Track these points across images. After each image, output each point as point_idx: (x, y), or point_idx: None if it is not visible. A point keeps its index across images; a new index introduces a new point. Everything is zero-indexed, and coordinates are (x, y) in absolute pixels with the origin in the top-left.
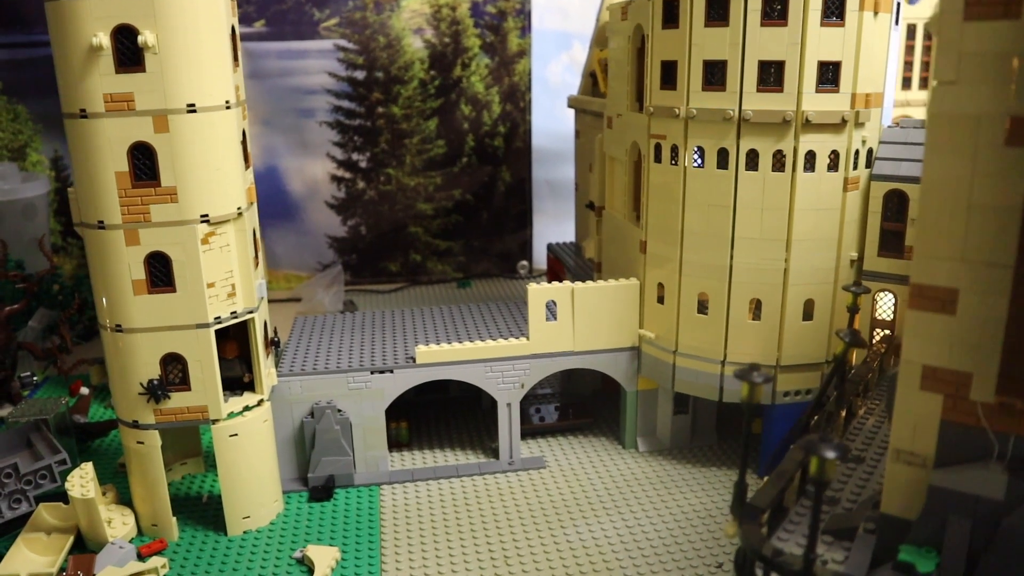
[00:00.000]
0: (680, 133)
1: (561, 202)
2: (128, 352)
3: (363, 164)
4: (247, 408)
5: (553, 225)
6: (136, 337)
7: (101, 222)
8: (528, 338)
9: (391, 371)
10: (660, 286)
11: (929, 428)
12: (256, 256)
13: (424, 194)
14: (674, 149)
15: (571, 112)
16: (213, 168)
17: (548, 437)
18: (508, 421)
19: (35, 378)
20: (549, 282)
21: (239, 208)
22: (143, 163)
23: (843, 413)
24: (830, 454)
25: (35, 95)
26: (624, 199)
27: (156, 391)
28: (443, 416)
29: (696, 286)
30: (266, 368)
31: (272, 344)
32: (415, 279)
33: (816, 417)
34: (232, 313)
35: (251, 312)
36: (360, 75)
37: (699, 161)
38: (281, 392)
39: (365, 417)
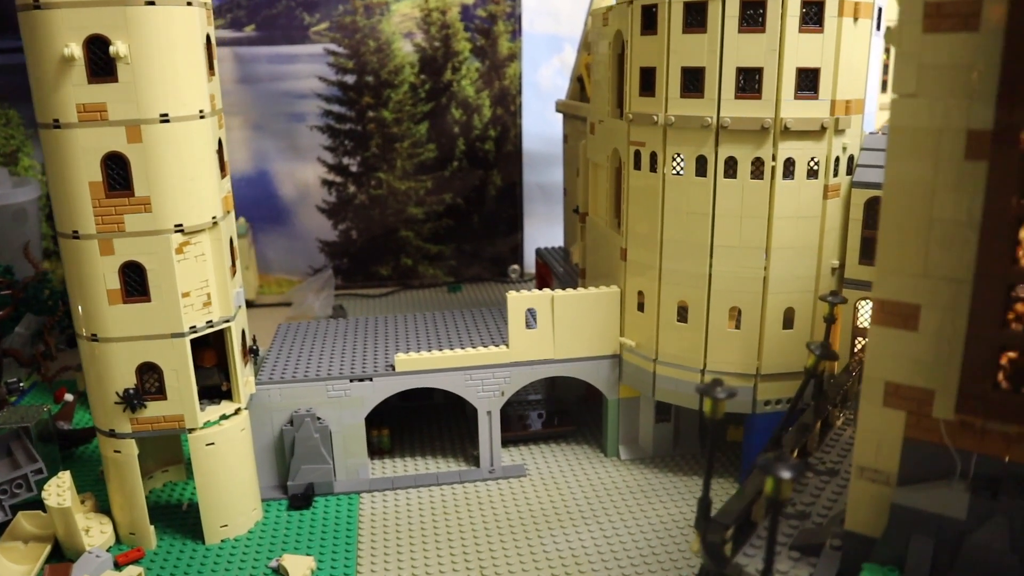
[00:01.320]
0: (659, 140)
1: (552, 206)
2: (104, 361)
3: (354, 168)
4: (224, 417)
5: (544, 229)
6: (111, 346)
7: (76, 232)
8: (508, 346)
9: (370, 379)
10: (640, 294)
11: (892, 445)
12: (233, 265)
13: (415, 198)
14: (653, 156)
15: (561, 116)
16: (187, 178)
17: (531, 445)
18: (488, 429)
19: (22, 384)
20: (538, 287)
21: (214, 217)
22: (117, 173)
23: (818, 425)
24: (786, 474)
25: (27, 100)
26: (606, 206)
27: (132, 400)
28: (426, 423)
29: (676, 294)
30: (244, 376)
31: (250, 352)
32: (406, 283)
33: (788, 430)
34: (208, 322)
35: (227, 321)
36: (350, 79)
37: (678, 168)
38: (260, 400)
39: (345, 425)
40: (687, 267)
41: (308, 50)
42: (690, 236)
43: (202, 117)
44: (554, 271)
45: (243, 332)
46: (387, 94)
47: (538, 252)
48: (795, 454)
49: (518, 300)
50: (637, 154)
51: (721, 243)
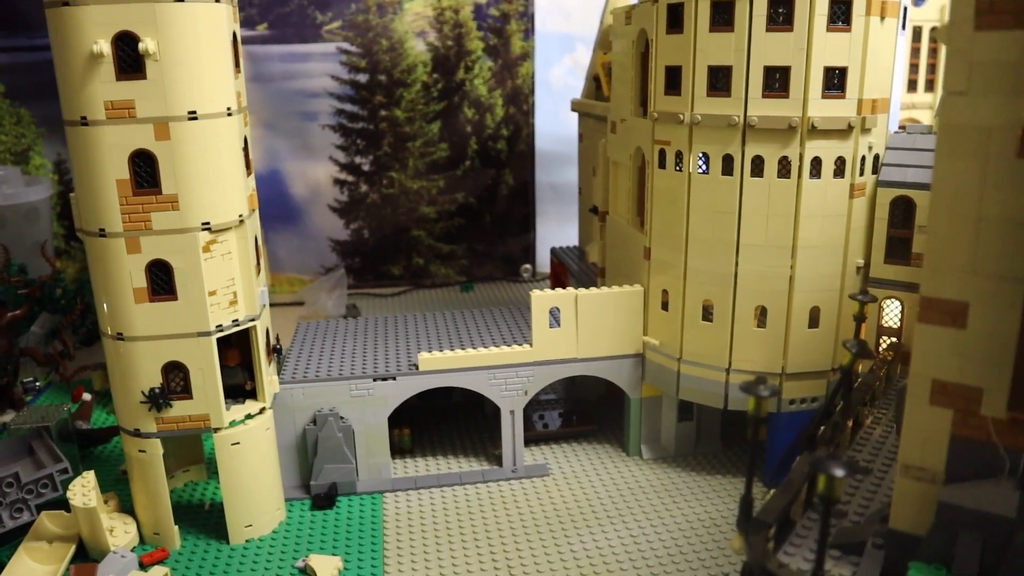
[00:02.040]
0: (684, 139)
1: (564, 205)
2: (129, 360)
3: (366, 167)
4: (249, 416)
5: (556, 228)
6: (137, 345)
7: (102, 230)
8: (531, 345)
9: (394, 378)
10: (664, 293)
11: (939, 443)
12: (258, 263)
13: (427, 197)
14: (678, 155)
15: (574, 115)
16: (214, 176)
17: (552, 444)
18: (511, 428)
19: (38, 383)
20: (552, 286)
21: (241, 215)
22: (144, 171)
23: (850, 423)
24: (839, 472)
25: (38, 99)
26: (628, 204)
27: (158, 399)
28: (446, 422)
29: (701, 293)
30: (268, 376)
31: (274, 351)
32: (418, 283)
33: (823, 428)
34: (234, 321)
35: (253, 320)
36: (363, 78)
37: (704, 167)
38: (283, 399)
39: (368, 424)
40: (712, 266)
41: (320, 49)
42: (716, 235)
43: (229, 115)
44: (570, 270)
45: (267, 331)
46: (399, 93)
47: (553, 251)
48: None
49: (542, 299)
50: (662, 153)
51: (747, 242)
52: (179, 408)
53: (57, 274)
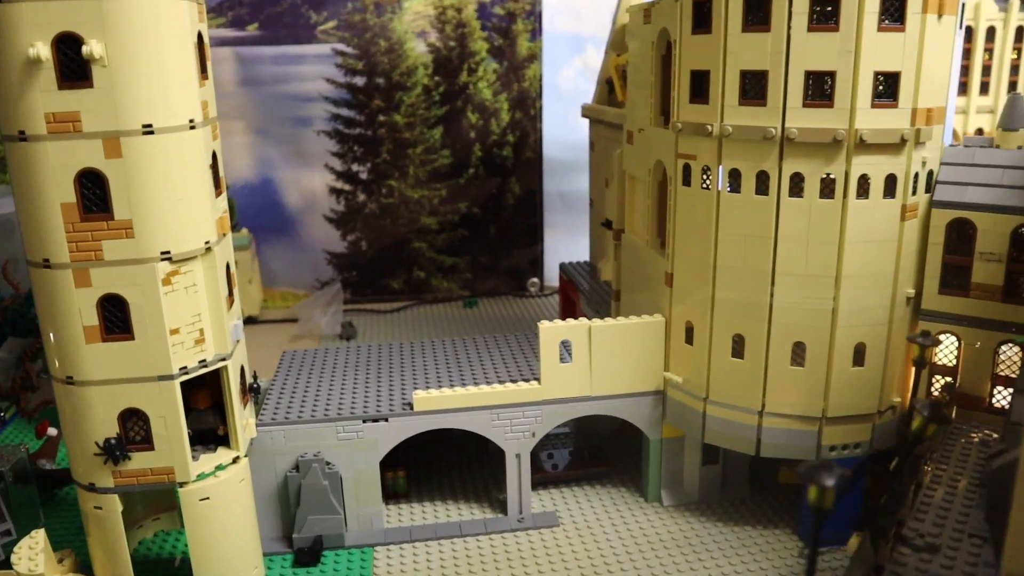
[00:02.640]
0: (713, 153)
1: (574, 216)
2: (82, 407)
3: (364, 175)
4: (220, 467)
5: (565, 240)
6: (90, 391)
7: (46, 260)
8: (540, 382)
9: (386, 420)
10: (688, 324)
11: None
12: (230, 294)
13: (428, 207)
14: (705, 171)
15: (585, 120)
16: (175, 198)
17: (562, 487)
18: (517, 473)
19: (2, 414)
20: (561, 304)
21: (207, 242)
22: (93, 193)
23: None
24: None
25: None
26: (646, 223)
27: (114, 451)
28: (445, 460)
29: (731, 326)
30: (243, 420)
31: (251, 391)
32: (419, 297)
33: (883, 497)
34: (201, 362)
35: (223, 360)
36: (360, 81)
37: (734, 185)
38: (262, 443)
39: (357, 470)
40: (744, 296)
41: (315, 50)
42: (748, 262)
43: (192, 128)
44: (580, 288)
45: (242, 369)
46: (399, 97)
47: (562, 267)
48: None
49: (551, 331)
50: (686, 168)
51: (784, 270)
52: (139, 460)
53: (26, 296)
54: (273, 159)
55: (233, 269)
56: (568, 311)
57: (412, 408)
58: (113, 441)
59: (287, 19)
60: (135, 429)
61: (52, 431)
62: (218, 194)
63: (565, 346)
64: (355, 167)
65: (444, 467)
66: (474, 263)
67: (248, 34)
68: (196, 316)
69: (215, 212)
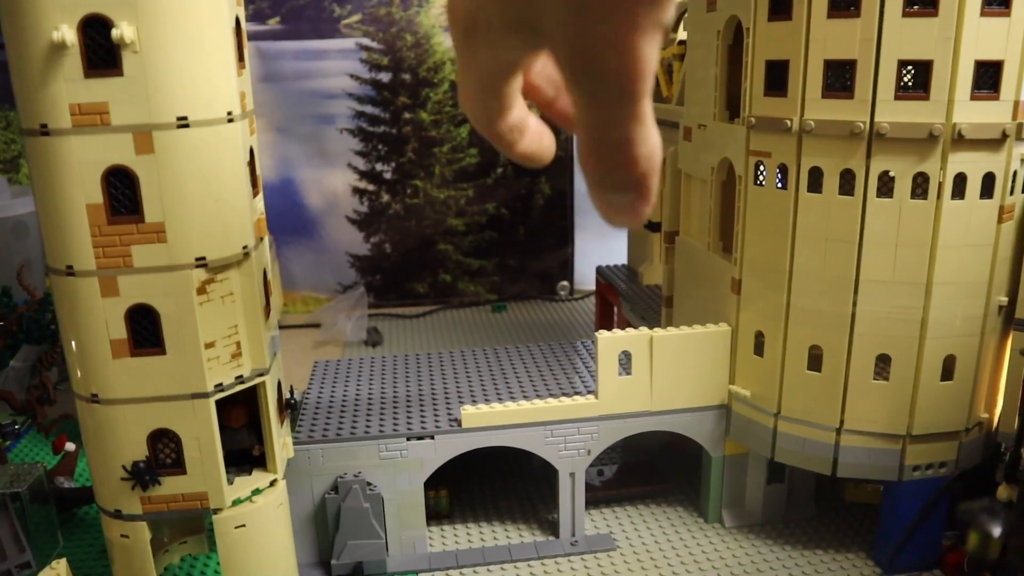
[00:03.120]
0: (791, 150)
1: None
2: (108, 428)
3: (388, 175)
4: (257, 491)
5: (596, 242)
6: (117, 410)
7: (70, 267)
8: (596, 395)
9: (431, 437)
10: (759, 335)
11: None
12: (267, 304)
13: (455, 208)
14: (782, 169)
15: None
16: (212, 198)
17: (613, 506)
18: (571, 494)
19: (17, 427)
20: (598, 309)
21: (245, 247)
22: (122, 193)
23: None
24: None
25: None
26: (706, 225)
27: (143, 475)
28: (488, 476)
29: (807, 337)
30: (280, 439)
31: (288, 407)
32: (445, 301)
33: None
34: (238, 378)
35: (261, 375)
36: (385, 77)
37: (815, 185)
38: (299, 462)
39: (400, 491)
40: (824, 305)
41: (338, 45)
42: (829, 268)
43: (230, 121)
44: (621, 293)
45: (279, 384)
46: (425, 94)
47: (600, 271)
48: None
49: (610, 342)
50: (759, 166)
51: (869, 277)
52: (170, 485)
53: (44, 299)
54: (294, 158)
55: (270, 275)
56: (605, 316)
57: (460, 425)
58: (142, 465)
59: (310, 13)
60: (166, 451)
61: (70, 446)
62: (255, 194)
63: (622, 359)
64: (379, 166)
65: (485, 484)
66: (502, 266)
67: (269, 28)
68: (232, 328)
69: (253, 214)
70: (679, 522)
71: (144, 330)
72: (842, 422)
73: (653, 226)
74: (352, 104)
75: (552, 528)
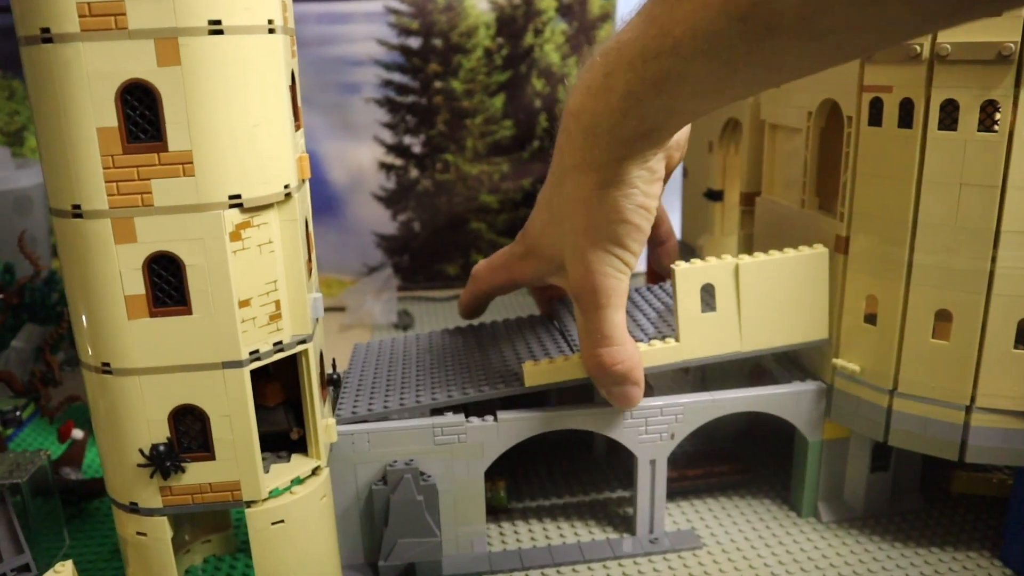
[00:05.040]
0: (918, 82)
1: None
2: (122, 404)
3: (417, 149)
4: (297, 481)
5: None
6: (133, 383)
7: (77, 207)
8: (677, 339)
9: (494, 418)
10: (871, 300)
11: None
12: (309, 258)
13: (488, 184)
14: (906, 106)
15: None
16: (249, 123)
17: (691, 498)
18: (650, 484)
19: (19, 413)
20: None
21: (287, 186)
22: (141, 114)
23: None
24: None
25: None
26: (801, 181)
27: (163, 461)
28: (545, 460)
29: (933, 300)
30: (323, 420)
31: (330, 384)
32: None
33: None
34: (276, 345)
35: (303, 342)
36: (415, 43)
37: (948, 122)
38: (342, 448)
39: (458, 482)
40: (955, 261)
41: (365, 8)
42: (963, 218)
43: (272, 31)
44: None
45: (320, 355)
46: (457, 60)
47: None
48: None
49: (689, 273)
50: (876, 104)
51: (1014, 227)
52: (195, 473)
53: (50, 274)
54: (317, 130)
55: (311, 228)
56: None
57: (522, 383)
58: (162, 448)
59: None
60: (191, 432)
61: (77, 433)
62: (297, 127)
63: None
64: (407, 139)
65: (543, 470)
66: None
67: None
68: (271, 284)
69: (295, 149)
70: (768, 516)
71: (166, 284)
72: (973, 399)
73: (713, 194)
74: (379, 72)
75: (627, 524)
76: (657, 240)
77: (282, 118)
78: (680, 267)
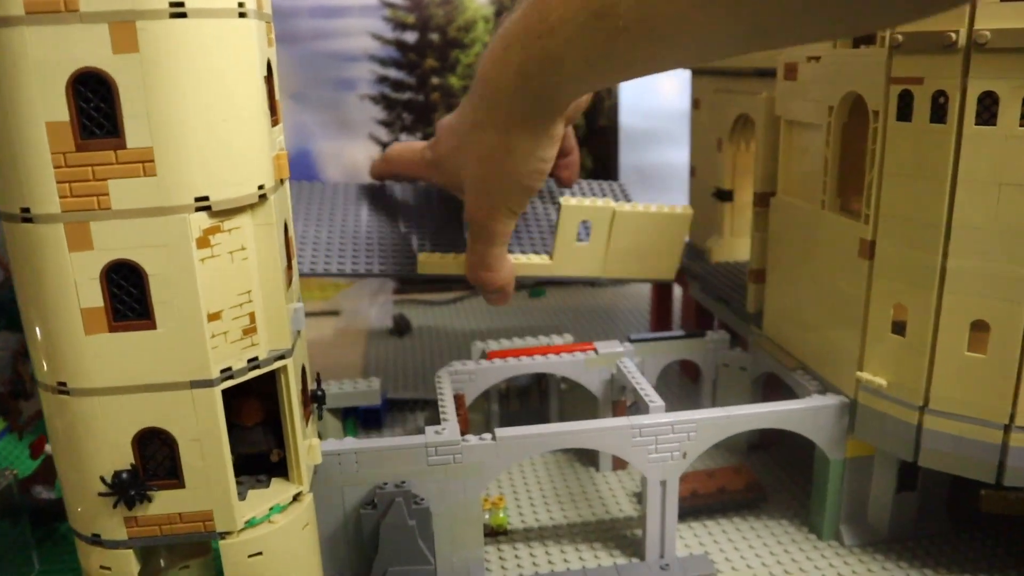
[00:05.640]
0: (953, 73)
1: (651, 192)
2: (81, 428)
3: None
4: (276, 509)
5: None
6: (92, 404)
7: (26, 210)
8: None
9: (492, 437)
10: (899, 308)
11: None
12: (289, 266)
13: None
14: (939, 98)
15: (669, 84)
16: (217, 117)
17: (703, 519)
18: (660, 506)
19: None
20: (654, 292)
21: (262, 187)
22: (95, 107)
23: None
24: None
25: None
26: (821, 181)
27: (128, 490)
28: (541, 472)
29: (969, 309)
30: (305, 440)
31: (314, 400)
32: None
33: None
34: (251, 361)
35: (282, 357)
36: (411, 37)
37: (987, 115)
38: (326, 470)
39: (452, 504)
40: (993, 267)
41: (359, 1)
42: (1002, 220)
43: (242, 15)
44: (689, 272)
45: (303, 370)
46: (455, 56)
47: None
48: None
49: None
50: (905, 97)
51: None
52: (163, 502)
53: None
54: (310, 128)
55: (291, 231)
56: (662, 300)
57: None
58: (126, 475)
59: None
60: (157, 458)
61: (50, 448)
62: (274, 123)
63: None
64: (404, 137)
65: (542, 483)
66: None
67: None
68: (245, 295)
69: (272, 147)
70: (787, 539)
71: (127, 296)
72: (1012, 417)
73: (723, 194)
74: (374, 67)
75: (635, 547)
76: (561, 153)
77: (255, 112)
78: (567, 203)
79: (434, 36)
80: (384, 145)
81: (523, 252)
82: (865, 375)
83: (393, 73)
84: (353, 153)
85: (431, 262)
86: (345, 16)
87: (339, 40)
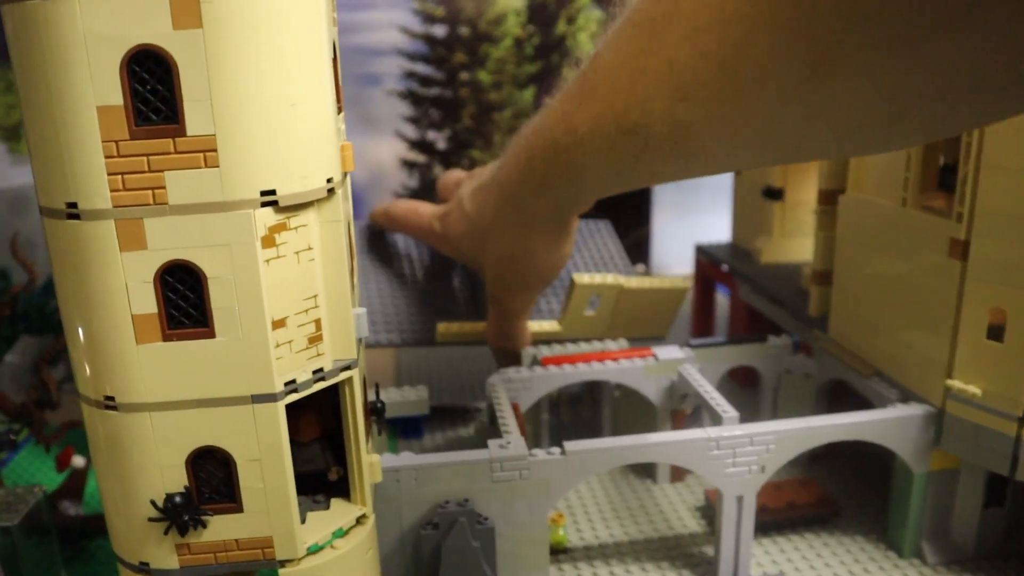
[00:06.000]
0: None
1: (687, 193)
2: (130, 447)
3: (441, 145)
4: (339, 533)
5: (676, 221)
6: (143, 421)
7: (72, 205)
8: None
9: (561, 451)
10: (996, 313)
11: None
12: (352, 268)
13: None
14: None
15: None
16: (286, 101)
17: (773, 534)
18: (736, 523)
19: (13, 436)
20: (698, 293)
21: (330, 180)
22: (152, 89)
23: None
24: None
25: None
26: (901, 175)
27: (180, 515)
28: (596, 488)
29: None
30: (368, 457)
31: (373, 413)
32: None
33: None
34: (316, 373)
35: (348, 368)
36: (440, 31)
37: None
38: (384, 488)
39: (517, 524)
40: None
41: None
42: None
43: None
44: (739, 274)
45: (363, 382)
46: (485, 50)
47: (701, 250)
48: None
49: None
50: None
51: None
52: (218, 527)
53: (45, 285)
54: None
55: (353, 231)
56: (706, 301)
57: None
58: (179, 499)
59: None
60: (213, 480)
61: (78, 461)
62: (339, 109)
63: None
64: (431, 135)
65: (597, 497)
66: None
67: None
68: (311, 300)
69: (338, 136)
70: (864, 557)
71: (183, 301)
72: None
73: (773, 193)
74: (402, 62)
75: (707, 566)
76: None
77: (325, 96)
78: (580, 280)
79: (464, 30)
80: (411, 143)
81: (531, 319)
82: (956, 383)
83: (421, 68)
84: (378, 151)
85: (450, 332)
86: (371, 9)
87: (365, 34)
